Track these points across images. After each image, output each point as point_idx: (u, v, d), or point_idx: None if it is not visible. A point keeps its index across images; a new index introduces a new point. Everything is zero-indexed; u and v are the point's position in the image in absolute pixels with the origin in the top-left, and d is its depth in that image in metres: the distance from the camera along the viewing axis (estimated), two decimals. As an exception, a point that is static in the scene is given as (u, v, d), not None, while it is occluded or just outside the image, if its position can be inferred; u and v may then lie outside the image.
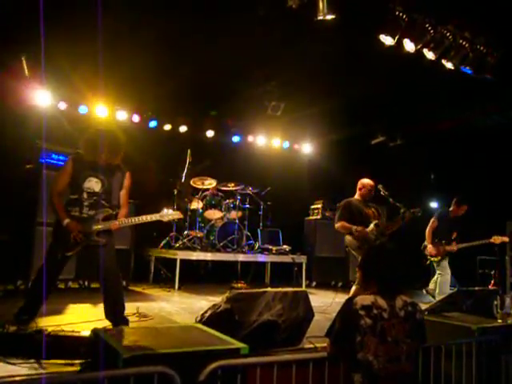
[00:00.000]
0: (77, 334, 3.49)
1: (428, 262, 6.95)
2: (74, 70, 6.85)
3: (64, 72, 6.99)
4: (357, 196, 5.50)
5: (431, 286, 6.96)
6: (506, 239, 6.90)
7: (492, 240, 6.84)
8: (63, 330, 3.58)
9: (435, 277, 6.95)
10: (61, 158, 6.63)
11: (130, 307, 5.08)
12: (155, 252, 8.09)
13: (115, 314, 4.03)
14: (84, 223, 3.96)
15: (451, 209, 6.98)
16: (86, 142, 4.14)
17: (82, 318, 4.00)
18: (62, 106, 7.79)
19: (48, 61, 6.14)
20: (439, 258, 6.82)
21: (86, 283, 6.68)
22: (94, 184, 4.06)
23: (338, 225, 5.31)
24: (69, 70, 6.88)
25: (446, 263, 6.85)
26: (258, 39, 5.94)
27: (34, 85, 7.24)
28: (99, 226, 3.99)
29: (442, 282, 6.80)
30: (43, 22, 4.95)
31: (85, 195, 4.01)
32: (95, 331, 2.80)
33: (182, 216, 4.23)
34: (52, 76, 7.14)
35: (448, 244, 6.80)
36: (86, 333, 3.30)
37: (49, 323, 3.81)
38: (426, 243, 6.92)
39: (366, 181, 5.50)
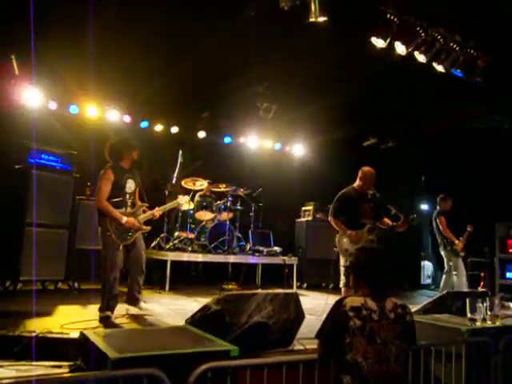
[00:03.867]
0: (65, 336, 3.46)
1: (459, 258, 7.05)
2: (64, 70, 6.81)
3: (54, 71, 6.95)
4: (356, 185, 5.33)
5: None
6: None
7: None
8: (52, 332, 3.55)
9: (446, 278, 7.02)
10: (51, 158, 6.58)
11: (119, 309, 5.07)
12: (146, 253, 8.03)
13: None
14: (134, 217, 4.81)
15: (444, 207, 7.18)
16: (110, 150, 4.82)
17: (71, 320, 3.96)
18: (53, 105, 7.73)
19: (38, 60, 6.09)
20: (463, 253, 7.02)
21: (76, 284, 6.64)
22: (131, 184, 4.81)
23: (332, 220, 5.26)
24: (59, 70, 6.85)
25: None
26: (250, 40, 5.94)
27: (24, 84, 7.18)
28: (143, 216, 4.89)
29: (460, 283, 6.92)
30: (34, 20, 4.92)
31: (127, 196, 4.76)
32: (84, 333, 2.78)
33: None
34: (42, 75, 7.09)
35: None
36: (75, 334, 3.27)
37: (38, 325, 3.78)
38: (455, 241, 7.03)
39: (367, 169, 5.33)
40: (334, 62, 6.32)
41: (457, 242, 7.01)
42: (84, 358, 2.70)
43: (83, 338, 2.75)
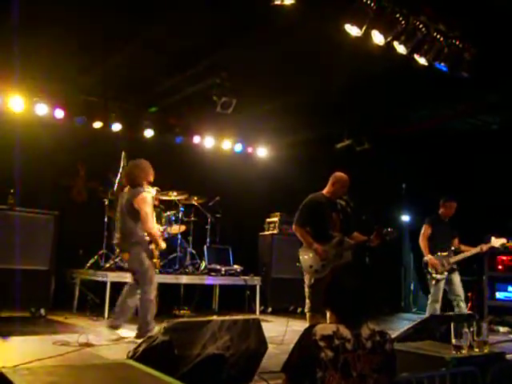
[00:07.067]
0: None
1: (433, 281, 6.77)
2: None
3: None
4: (326, 191, 5.44)
5: None
6: (504, 240, 6.78)
7: (479, 249, 6.84)
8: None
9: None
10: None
11: (48, 340, 4.94)
12: (81, 274, 7.87)
13: None
14: None
15: (440, 211, 7.05)
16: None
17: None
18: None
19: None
20: (445, 273, 6.73)
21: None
22: None
23: (296, 229, 5.31)
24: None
25: (441, 285, 6.75)
26: (207, 26, 5.94)
27: None
28: None
29: (430, 309, 6.79)
30: None
31: None
32: (2, 372, 2.68)
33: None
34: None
35: (450, 256, 6.77)
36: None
37: None
38: (426, 257, 6.83)
39: (341, 175, 5.45)
40: (303, 49, 6.38)
41: (429, 256, 6.78)
42: (1, 403, 2.60)
43: (1, 378, 2.65)
